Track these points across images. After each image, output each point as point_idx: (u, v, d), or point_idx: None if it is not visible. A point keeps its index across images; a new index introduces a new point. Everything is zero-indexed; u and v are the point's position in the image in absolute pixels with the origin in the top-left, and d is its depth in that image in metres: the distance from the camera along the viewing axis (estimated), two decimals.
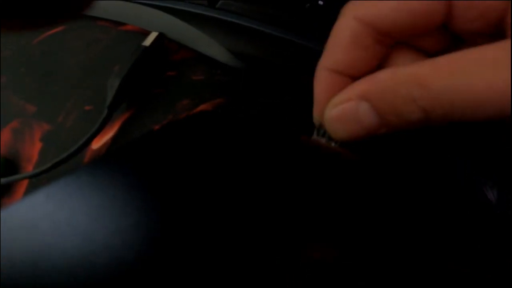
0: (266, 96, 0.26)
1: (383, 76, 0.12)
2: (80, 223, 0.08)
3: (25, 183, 0.24)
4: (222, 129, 0.12)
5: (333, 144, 0.15)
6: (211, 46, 0.28)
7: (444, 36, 0.14)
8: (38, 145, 0.25)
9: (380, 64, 0.14)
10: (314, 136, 0.15)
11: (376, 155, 0.13)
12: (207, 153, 0.10)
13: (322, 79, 0.15)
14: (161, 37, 0.27)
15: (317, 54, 0.15)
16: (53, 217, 0.08)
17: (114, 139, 0.25)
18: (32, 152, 0.25)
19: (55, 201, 0.08)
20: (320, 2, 0.26)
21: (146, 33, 0.28)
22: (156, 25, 0.28)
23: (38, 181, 0.24)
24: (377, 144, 0.15)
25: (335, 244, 0.09)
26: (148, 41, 0.26)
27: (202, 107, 0.27)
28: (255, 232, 0.08)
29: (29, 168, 0.24)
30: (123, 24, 0.30)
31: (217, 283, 0.08)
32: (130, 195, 0.09)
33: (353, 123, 0.13)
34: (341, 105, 0.13)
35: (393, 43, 0.14)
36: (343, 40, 0.14)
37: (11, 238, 0.08)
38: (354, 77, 0.14)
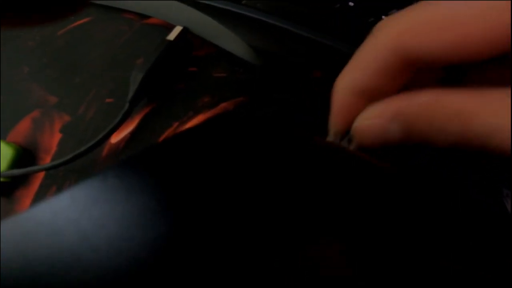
0: (280, 92, 0.26)
1: (423, 100, 0.11)
2: (107, 232, 0.07)
3: (41, 174, 0.24)
4: (243, 132, 0.12)
5: (351, 148, 0.15)
6: (234, 43, 0.27)
7: None
8: (57, 136, 0.25)
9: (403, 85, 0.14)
10: (330, 138, 0.15)
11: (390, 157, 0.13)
12: (228, 157, 0.10)
13: (340, 98, 0.14)
14: (185, 31, 0.27)
15: (345, 56, 0.14)
16: (80, 224, 0.07)
17: (133, 134, 0.25)
18: (51, 143, 0.24)
19: (80, 206, 0.08)
20: (351, 3, 0.25)
21: (169, 27, 0.27)
22: (180, 19, 0.27)
23: (55, 172, 0.24)
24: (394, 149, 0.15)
25: (335, 243, 0.09)
26: (172, 35, 0.26)
27: (223, 105, 0.26)
28: (270, 230, 0.08)
29: (47, 159, 0.24)
30: (147, 17, 0.29)
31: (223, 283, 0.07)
32: (160, 200, 0.08)
33: (380, 137, 0.13)
34: (373, 120, 0.13)
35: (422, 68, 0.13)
36: (371, 66, 0.13)
37: (33, 242, 0.08)
38: (374, 98, 0.13)
